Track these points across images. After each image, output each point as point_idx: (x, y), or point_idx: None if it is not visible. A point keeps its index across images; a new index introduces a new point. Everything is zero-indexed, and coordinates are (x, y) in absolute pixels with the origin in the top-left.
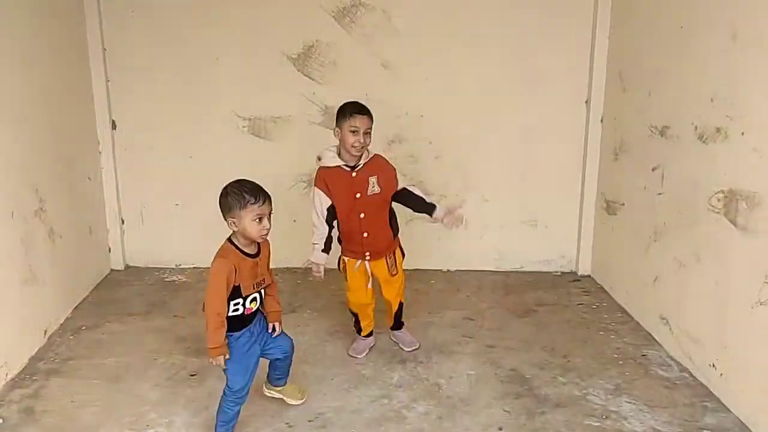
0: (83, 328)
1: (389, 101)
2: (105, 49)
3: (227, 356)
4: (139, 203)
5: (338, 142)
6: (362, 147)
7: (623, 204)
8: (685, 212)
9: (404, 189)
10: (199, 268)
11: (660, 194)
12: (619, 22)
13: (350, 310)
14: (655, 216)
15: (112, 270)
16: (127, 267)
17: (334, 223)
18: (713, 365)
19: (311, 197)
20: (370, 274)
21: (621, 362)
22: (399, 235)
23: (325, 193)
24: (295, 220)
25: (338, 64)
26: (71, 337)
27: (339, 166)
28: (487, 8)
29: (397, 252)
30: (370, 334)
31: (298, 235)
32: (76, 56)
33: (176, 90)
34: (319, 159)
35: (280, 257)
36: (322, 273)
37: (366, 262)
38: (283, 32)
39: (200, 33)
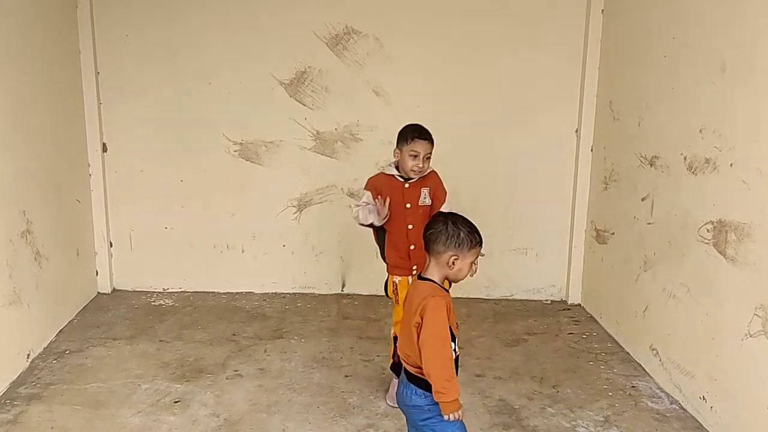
0: (67, 352)
1: (380, 127)
2: (98, 73)
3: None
4: (128, 226)
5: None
6: (420, 171)
7: (613, 233)
8: (674, 243)
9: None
10: (186, 292)
11: (650, 224)
12: (608, 53)
13: (394, 338)
14: (644, 246)
15: (98, 293)
16: (114, 290)
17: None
18: (703, 398)
19: (355, 204)
20: None
21: (610, 393)
22: None
23: (373, 195)
24: (284, 245)
25: (330, 90)
26: (54, 362)
27: (392, 176)
28: (478, 38)
29: None
30: None
31: (286, 260)
32: (69, 79)
33: (168, 114)
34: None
35: (268, 282)
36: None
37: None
38: (276, 58)
39: (193, 57)
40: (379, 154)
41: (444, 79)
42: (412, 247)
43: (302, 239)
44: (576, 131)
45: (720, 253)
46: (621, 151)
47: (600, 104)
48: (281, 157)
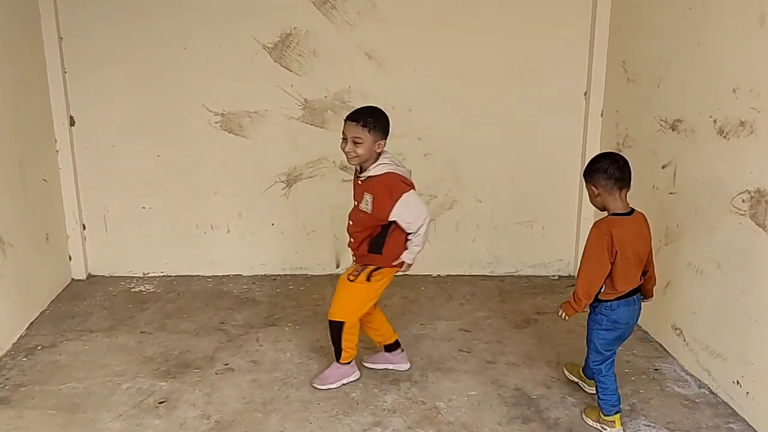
0: (39, 347)
1: (374, 94)
2: (61, 38)
3: None
4: (101, 207)
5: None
6: (354, 156)
7: None
8: (702, 214)
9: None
10: (168, 276)
11: (672, 194)
12: (621, 7)
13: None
14: (666, 217)
15: (73, 280)
16: (90, 276)
17: None
18: (737, 382)
19: None
20: None
21: (633, 378)
22: (384, 261)
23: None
24: (273, 224)
25: (319, 54)
26: (24, 359)
27: (355, 167)
28: None
29: (369, 269)
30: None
31: (276, 239)
32: (29, 45)
33: (141, 82)
34: None
35: (257, 263)
36: None
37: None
38: (258, 19)
39: (166, 19)
40: None
41: (442, 40)
42: (351, 240)
43: (292, 217)
44: (584, 94)
45: (758, 225)
46: (636, 115)
47: (611, 64)
48: (267, 129)
